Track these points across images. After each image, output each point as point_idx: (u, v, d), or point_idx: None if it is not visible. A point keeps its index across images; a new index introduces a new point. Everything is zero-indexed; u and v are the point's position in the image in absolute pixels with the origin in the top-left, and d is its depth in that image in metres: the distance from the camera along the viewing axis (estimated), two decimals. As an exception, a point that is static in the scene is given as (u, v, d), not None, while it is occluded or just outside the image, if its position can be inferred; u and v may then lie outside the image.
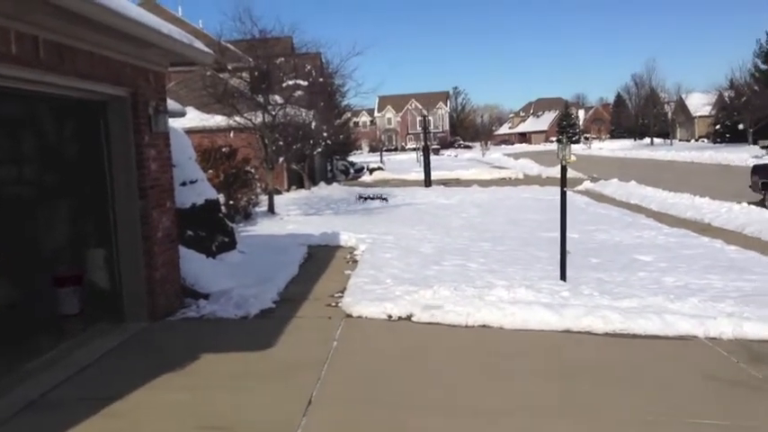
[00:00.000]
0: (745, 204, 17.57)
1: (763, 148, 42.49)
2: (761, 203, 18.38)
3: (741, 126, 61.17)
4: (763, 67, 65.02)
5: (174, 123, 10.64)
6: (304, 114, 24.34)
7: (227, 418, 5.30)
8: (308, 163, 30.62)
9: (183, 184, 10.51)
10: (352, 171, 43.07)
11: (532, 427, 5.17)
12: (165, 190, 8.46)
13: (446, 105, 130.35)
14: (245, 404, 5.59)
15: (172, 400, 5.69)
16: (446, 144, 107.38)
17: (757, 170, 20.59)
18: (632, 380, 6.13)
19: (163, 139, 8.47)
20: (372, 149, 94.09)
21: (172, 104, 10.93)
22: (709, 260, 11.80)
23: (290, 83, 22.48)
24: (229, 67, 22.37)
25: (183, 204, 10.09)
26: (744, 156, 40.38)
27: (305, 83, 23.62)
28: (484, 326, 7.74)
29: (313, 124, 25.53)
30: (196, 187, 11.00)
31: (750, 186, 20.19)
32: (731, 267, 11.11)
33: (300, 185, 29.88)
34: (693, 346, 7.03)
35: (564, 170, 9.87)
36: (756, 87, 61.72)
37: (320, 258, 12.13)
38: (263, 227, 16.70)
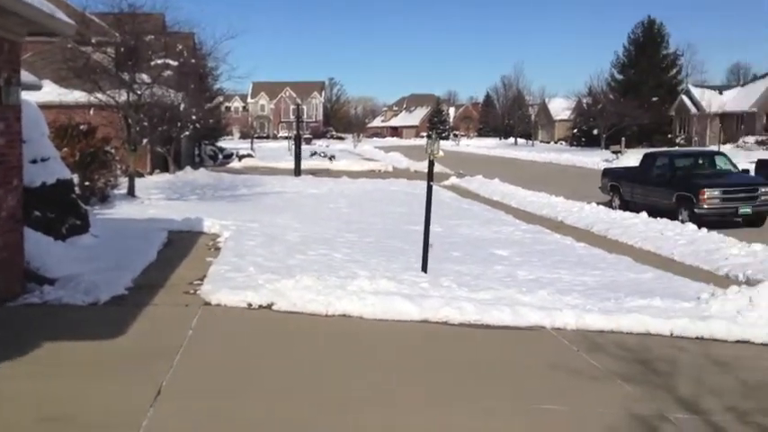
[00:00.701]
0: (594, 204, 18.72)
1: (613, 152, 45.39)
2: (609, 204, 19.63)
3: (596, 131, 65.01)
4: (618, 77, 69.41)
5: (28, 97, 9.98)
6: (172, 95, 23.53)
7: (70, 408, 5.04)
8: (175, 146, 29.62)
9: (34, 161, 9.88)
10: (220, 157, 42.11)
11: (390, 414, 5.26)
12: (12, 167, 7.91)
13: (321, 95, 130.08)
14: (90, 393, 5.34)
15: (10, 389, 5.35)
16: (319, 134, 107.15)
17: (607, 173, 21.99)
18: (483, 368, 6.38)
19: (13, 112, 7.92)
20: (244, 136, 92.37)
21: (26, 76, 10.24)
22: (559, 256, 12.48)
23: (160, 62, 21.65)
24: (93, 41, 21.22)
25: (31, 183, 9.49)
26: (596, 159, 42.98)
27: (175, 63, 22.84)
28: (344, 315, 7.80)
29: (182, 106, 24.74)
30: (48, 165, 10.37)
31: (600, 188, 21.52)
32: (579, 263, 11.80)
33: (165, 169, 28.87)
34: (541, 336, 7.41)
35: (431, 165, 10.11)
36: (612, 96, 65.85)
37: (181, 244, 11.78)
38: (122, 210, 16.01)
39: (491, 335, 7.40)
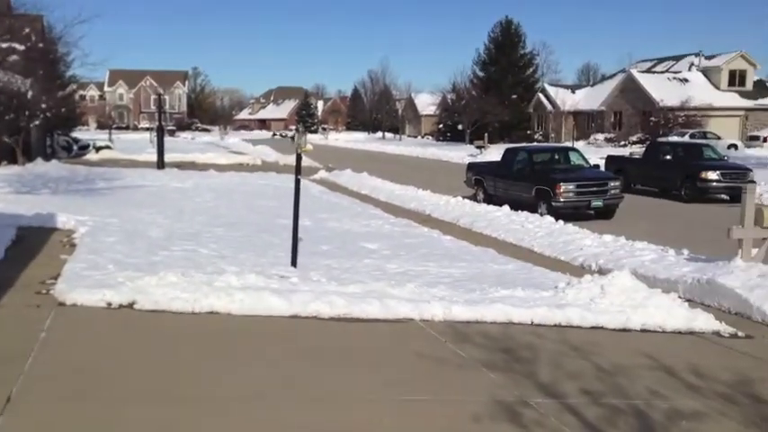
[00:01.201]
0: (460, 198, 19.24)
1: (477, 147, 46.90)
2: (473, 198, 20.27)
3: (460, 126, 67.01)
4: (480, 74, 71.84)
5: None
6: (20, 82, 21.98)
7: None
8: (24, 137, 27.70)
9: None
10: (75, 148, 39.81)
11: (256, 410, 5.15)
12: None
13: (184, 85, 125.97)
14: (-73, 407, 4.88)
15: None
16: (183, 126, 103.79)
17: (471, 167, 22.68)
18: (352, 361, 6.39)
19: None
20: (101, 126, 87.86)
21: None
22: (427, 248, 12.73)
23: (4, 45, 20.15)
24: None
25: None
26: (462, 154, 44.28)
27: (22, 47, 21.31)
28: (211, 312, 7.58)
29: (30, 94, 23.14)
30: None
31: (465, 182, 22.17)
32: (446, 255, 12.09)
33: (13, 161, 26.94)
34: (410, 328, 7.53)
35: (299, 158, 10.00)
36: (474, 92, 68.11)
37: (32, 241, 11.03)
38: (-35, 205, 14.78)
39: (361, 328, 7.43)
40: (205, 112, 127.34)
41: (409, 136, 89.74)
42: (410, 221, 16.31)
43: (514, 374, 6.19)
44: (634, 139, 50.28)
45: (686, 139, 39.37)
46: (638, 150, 32.62)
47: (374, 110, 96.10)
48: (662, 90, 52.37)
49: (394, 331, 7.40)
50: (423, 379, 6.03)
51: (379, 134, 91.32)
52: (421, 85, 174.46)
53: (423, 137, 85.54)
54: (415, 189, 21.60)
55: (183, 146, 49.74)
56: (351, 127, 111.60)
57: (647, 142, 35.55)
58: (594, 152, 36.46)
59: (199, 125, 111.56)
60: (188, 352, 6.40)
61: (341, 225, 15.33)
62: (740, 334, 7.84)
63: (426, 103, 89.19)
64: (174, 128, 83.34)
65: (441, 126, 77.32)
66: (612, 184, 17.87)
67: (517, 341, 7.22)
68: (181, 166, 32.35)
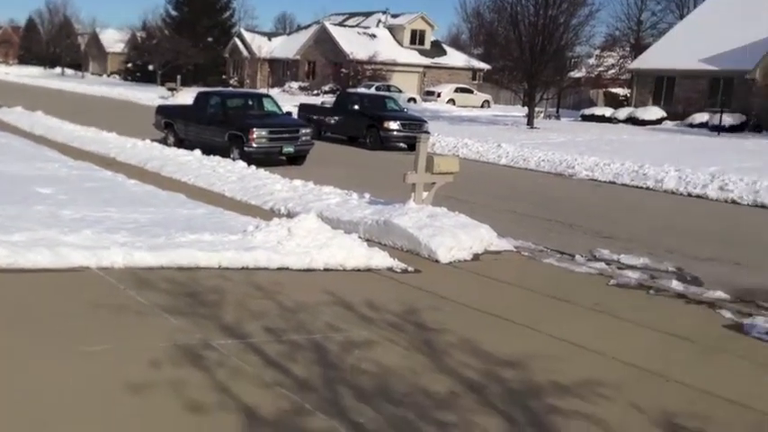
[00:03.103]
0: (149, 141, 18.35)
1: (169, 89, 45.02)
2: (164, 141, 19.45)
3: (151, 67, 63.69)
4: (173, 13, 68.65)
5: None
6: None
7: None
8: None
9: None
10: None
11: None
12: None
13: None
14: None
15: None
16: None
17: (161, 110, 21.69)
18: (20, 316, 5.77)
19: None
20: None
21: None
22: (110, 193, 11.93)
23: None
24: None
25: None
26: (152, 95, 42.16)
27: None
28: None
29: None
30: None
31: (154, 125, 21.17)
32: (131, 200, 11.44)
33: None
34: (85, 277, 7.00)
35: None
36: (167, 32, 64.98)
37: None
38: None
39: (28, 279, 6.73)
40: None
41: (93, 74, 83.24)
42: (92, 165, 15.15)
43: (198, 318, 6.09)
44: (326, 88, 52.17)
45: (372, 91, 41.84)
46: (329, 100, 33.94)
47: (52, 43, 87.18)
48: (352, 43, 54.88)
49: (66, 281, 6.82)
50: (101, 329, 5.66)
51: (58, 70, 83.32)
52: (107, 20, 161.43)
53: (109, 75, 79.92)
54: (99, 131, 20.12)
55: None
56: (24, 60, 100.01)
57: (338, 92, 37.12)
58: (288, 100, 37.16)
59: None
60: None
61: (8, 168, 13.71)
62: (410, 269, 8.58)
63: (114, 40, 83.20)
64: None
65: (130, 65, 72.84)
66: (304, 132, 18.34)
67: (203, 285, 7.10)
68: None
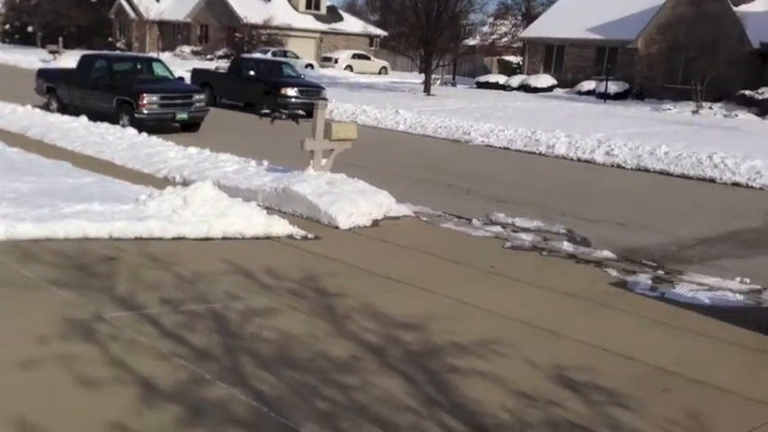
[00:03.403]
0: (29, 107, 17.35)
1: (51, 52, 42.54)
2: (46, 107, 18.44)
3: (30, 28, 59.99)
4: (53, -29, 64.70)
5: None
6: None
7: None
8: None
9: None
10: None
11: None
12: None
13: None
14: None
15: None
16: None
17: (43, 74, 20.49)
18: None
19: None
20: None
21: None
22: (-12, 162, 11.23)
23: None
24: None
25: None
26: (32, 58, 39.74)
27: None
28: None
29: None
30: None
31: (35, 89, 20.01)
32: (12, 169, 10.80)
33: None
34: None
35: None
36: (47, -8, 61.26)
37: None
38: None
39: None
40: None
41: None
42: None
43: (89, 291, 5.86)
44: (220, 53, 50.73)
45: (268, 56, 41.03)
46: (223, 65, 33.03)
47: None
48: (246, 7, 53.44)
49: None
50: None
51: (-73, 31, 77.19)
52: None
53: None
54: (-26, 96, 18.82)
55: None
56: None
57: (232, 57, 36.18)
58: (180, 64, 35.90)
59: None
60: None
61: None
62: (310, 236, 8.54)
63: (-12, -1, 77.65)
64: None
65: (7, 26, 68.30)
66: (198, 97, 17.80)
67: (94, 257, 6.83)
68: None
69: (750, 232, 10.46)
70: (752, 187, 14.50)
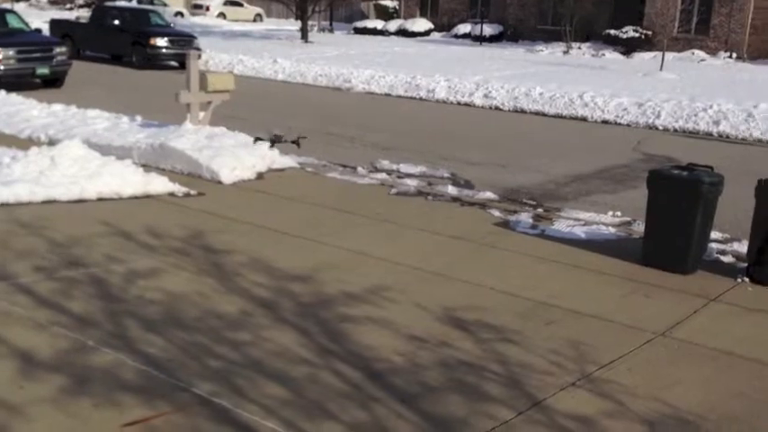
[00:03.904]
0: None
1: None
2: None
3: None
4: None
5: None
6: None
7: None
8: None
9: None
10: None
11: None
12: None
13: None
14: None
15: None
16: None
17: None
18: None
19: None
20: None
21: None
22: None
23: None
24: None
25: None
26: None
27: None
28: None
29: None
30: None
31: None
32: None
33: None
34: None
35: None
36: None
37: None
38: None
39: None
40: None
41: None
42: None
43: (-47, 263, 5.44)
44: (80, 2, 47.70)
45: (133, 4, 38.88)
46: (85, 15, 31.04)
47: None
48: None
49: None
50: None
51: None
52: None
53: None
54: None
55: None
56: None
57: (94, 6, 34.06)
58: (37, 15, 33.53)
59: None
60: None
61: None
62: (192, 192, 8.27)
63: None
64: None
65: None
66: (58, 50, 16.69)
67: (-45, 226, 6.34)
68: None
69: (620, 168, 11.03)
70: (620, 124, 15.26)
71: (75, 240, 6.26)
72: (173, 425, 3.50)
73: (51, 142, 10.08)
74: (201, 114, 10.61)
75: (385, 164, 10.29)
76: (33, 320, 4.59)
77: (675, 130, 14.64)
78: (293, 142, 2.96)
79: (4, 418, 3.42)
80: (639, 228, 7.39)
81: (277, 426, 3.57)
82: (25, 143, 10.26)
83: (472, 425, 3.76)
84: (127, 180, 8.25)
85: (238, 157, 9.28)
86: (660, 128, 14.82)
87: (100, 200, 7.74)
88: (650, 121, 15.16)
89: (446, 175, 9.88)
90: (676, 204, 6.37)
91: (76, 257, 5.84)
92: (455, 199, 8.66)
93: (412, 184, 9.27)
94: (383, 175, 9.64)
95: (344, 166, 9.98)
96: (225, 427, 3.53)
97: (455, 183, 9.42)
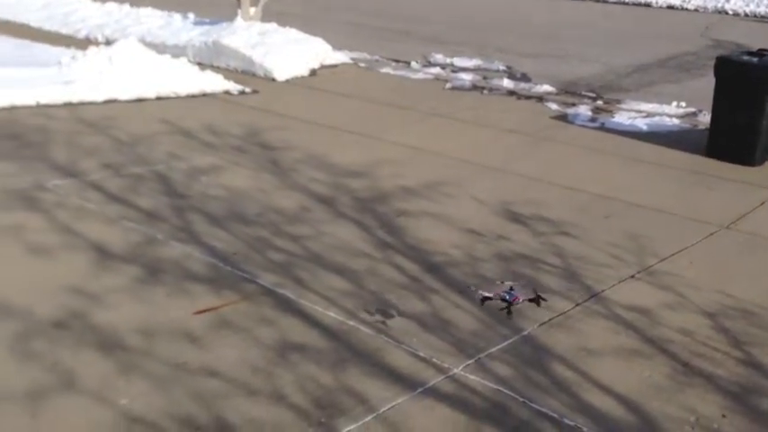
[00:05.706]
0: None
1: None
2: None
3: None
4: None
5: None
6: None
7: None
8: None
9: None
10: None
11: None
12: None
13: None
14: None
15: None
16: None
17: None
18: None
19: None
20: None
21: None
22: None
23: None
24: None
25: None
26: None
27: None
28: None
29: None
30: None
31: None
32: None
33: None
34: None
35: None
36: None
37: None
38: None
39: None
40: None
41: None
42: None
43: (25, 161, 5.65)
44: None
45: None
46: None
47: None
48: None
49: None
50: None
51: None
52: None
53: None
54: None
55: None
56: None
57: None
58: None
59: None
60: None
61: None
62: (247, 90, 8.31)
63: None
64: None
65: None
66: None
67: (24, 125, 6.55)
68: None
69: (685, 56, 10.60)
70: (686, 9, 14.53)
71: (138, 138, 6.40)
72: (240, 313, 3.66)
73: (108, 42, 10.17)
74: (252, 10, 10.50)
75: (439, 58, 10.09)
76: (105, 215, 4.78)
77: (746, 15, 13.88)
78: (531, 300, 2.84)
79: (87, 306, 3.63)
80: (705, 118, 7.17)
81: (338, 315, 3.70)
82: (83, 43, 10.39)
83: (528, 316, 3.83)
84: (184, 79, 8.34)
85: (291, 54, 9.23)
86: (730, 12, 14.07)
87: (159, 98, 7.85)
88: (719, 5, 14.40)
89: (502, 68, 9.66)
90: (746, 92, 6.14)
91: (141, 155, 6.00)
92: (511, 92, 8.50)
93: (467, 78, 9.11)
94: (437, 70, 9.48)
95: (398, 61, 9.84)
96: (289, 316, 3.68)
97: (511, 76, 9.21)
